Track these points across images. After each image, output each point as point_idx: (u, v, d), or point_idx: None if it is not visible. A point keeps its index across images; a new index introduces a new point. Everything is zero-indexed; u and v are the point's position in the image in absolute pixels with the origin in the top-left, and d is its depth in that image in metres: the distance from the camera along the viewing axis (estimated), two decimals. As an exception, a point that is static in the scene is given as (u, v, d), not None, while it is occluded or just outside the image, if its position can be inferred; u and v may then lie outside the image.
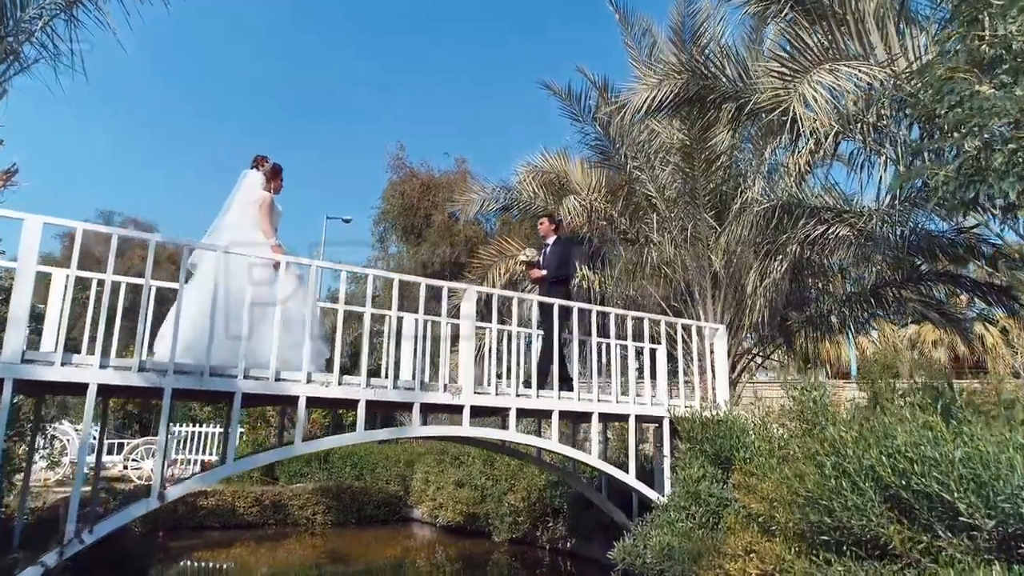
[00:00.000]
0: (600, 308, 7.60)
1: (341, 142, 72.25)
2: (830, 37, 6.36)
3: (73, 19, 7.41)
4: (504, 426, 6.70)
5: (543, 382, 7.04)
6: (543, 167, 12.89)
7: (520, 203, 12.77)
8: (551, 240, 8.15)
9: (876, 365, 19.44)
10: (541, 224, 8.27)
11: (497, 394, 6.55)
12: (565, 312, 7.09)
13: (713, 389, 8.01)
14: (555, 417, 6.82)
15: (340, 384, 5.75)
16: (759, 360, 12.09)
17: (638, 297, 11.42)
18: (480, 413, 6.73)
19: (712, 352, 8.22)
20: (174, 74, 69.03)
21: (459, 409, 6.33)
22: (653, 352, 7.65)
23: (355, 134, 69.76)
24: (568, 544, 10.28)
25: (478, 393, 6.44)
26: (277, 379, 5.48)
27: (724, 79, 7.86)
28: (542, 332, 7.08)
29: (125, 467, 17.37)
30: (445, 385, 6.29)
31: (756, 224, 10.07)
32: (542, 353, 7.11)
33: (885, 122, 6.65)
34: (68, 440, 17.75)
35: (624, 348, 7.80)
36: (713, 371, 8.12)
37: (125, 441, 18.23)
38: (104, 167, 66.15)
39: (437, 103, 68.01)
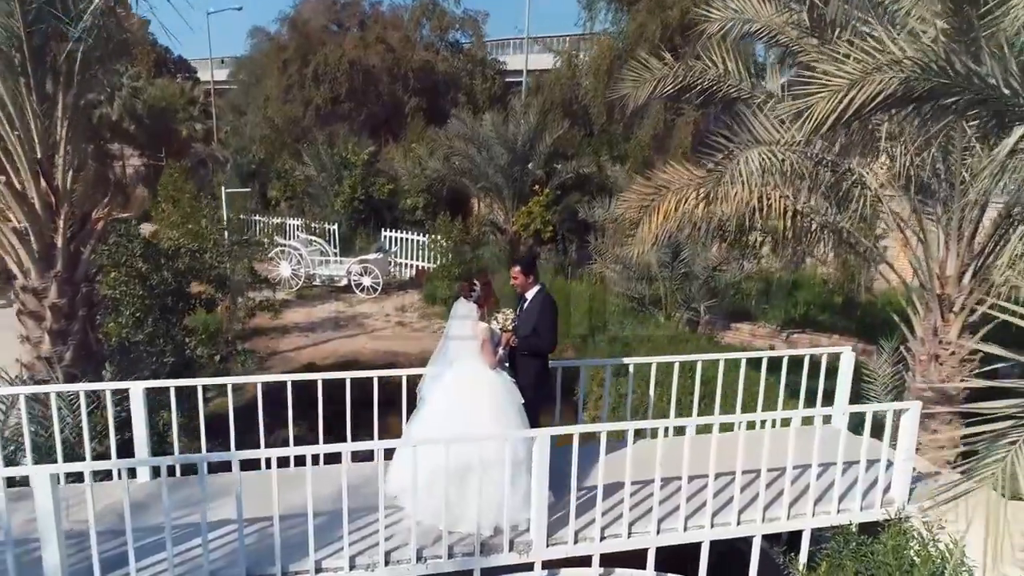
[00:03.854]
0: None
1: None
2: None
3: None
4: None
5: None
6: (744, 13, 9.55)
7: (704, 83, 9.81)
8: (531, 294, 5.98)
9: None
10: (514, 279, 5.99)
11: (576, 541, 5.68)
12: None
13: (887, 485, 6.21)
14: (651, 556, 5.84)
15: (387, 564, 5.33)
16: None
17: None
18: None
19: (898, 434, 6.21)
20: None
21: (528, 566, 5.65)
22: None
23: None
24: None
25: (553, 544, 5.64)
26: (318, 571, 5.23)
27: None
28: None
29: (348, 282, 19.48)
30: (511, 541, 5.56)
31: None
32: None
33: None
34: (299, 255, 20.00)
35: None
36: (890, 459, 6.21)
37: (343, 259, 20.09)
38: None
39: None
